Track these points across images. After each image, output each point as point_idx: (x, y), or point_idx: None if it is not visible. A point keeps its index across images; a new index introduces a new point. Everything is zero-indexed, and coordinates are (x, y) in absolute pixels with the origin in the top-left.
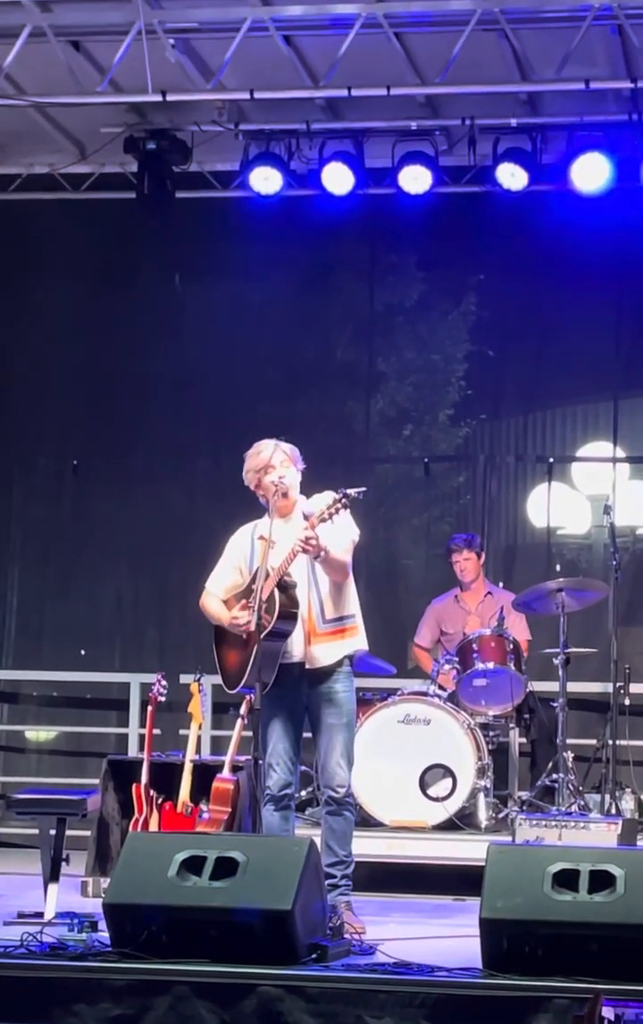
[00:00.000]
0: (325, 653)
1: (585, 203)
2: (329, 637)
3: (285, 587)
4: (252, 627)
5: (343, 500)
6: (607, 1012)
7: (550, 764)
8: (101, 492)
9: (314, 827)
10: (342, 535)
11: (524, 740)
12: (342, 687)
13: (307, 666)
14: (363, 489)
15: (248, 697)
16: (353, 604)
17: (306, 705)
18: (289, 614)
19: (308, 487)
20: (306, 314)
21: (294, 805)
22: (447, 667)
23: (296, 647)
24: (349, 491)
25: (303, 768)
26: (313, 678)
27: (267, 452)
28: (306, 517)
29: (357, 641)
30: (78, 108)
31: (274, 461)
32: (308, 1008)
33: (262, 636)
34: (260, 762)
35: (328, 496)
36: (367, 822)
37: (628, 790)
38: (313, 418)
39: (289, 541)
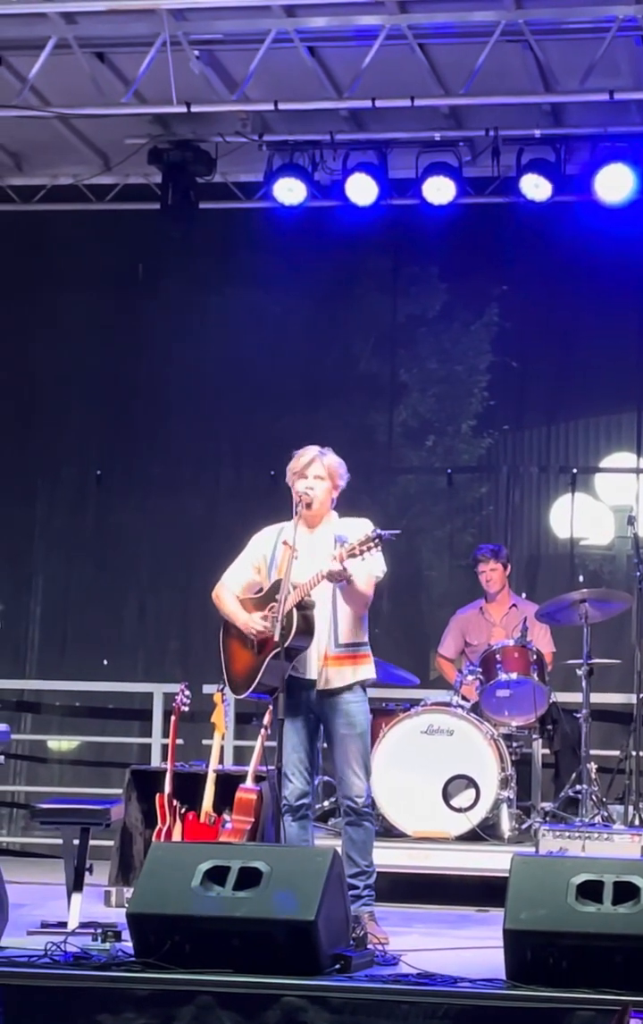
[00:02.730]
0: (336, 676)
1: (609, 214)
2: (341, 661)
3: (304, 607)
4: (266, 635)
5: (375, 540)
6: (634, 1023)
7: (573, 775)
8: (124, 502)
9: (337, 838)
10: (367, 569)
11: (547, 751)
12: (354, 697)
13: (318, 687)
14: (397, 532)
15: (270, 708)
16: (366, 633)
17: (320, 717)
18: (303, 633)
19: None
20: (329, 325)
21: (312, 815)
22: (470, 678)
23: (310, 665)
24: (383, 532)
25: (326, 779)
26: (324, 694)
27: (306, 458)
28: (337, 541)
29: (368, 670)
30: (102, 119)
31: (308, 471)
32: (331, 1019)
33: (275, 652)
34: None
35: (362, 526)
36: (390, 832)
37: None
38: (335, 429)
39: (314, 555)
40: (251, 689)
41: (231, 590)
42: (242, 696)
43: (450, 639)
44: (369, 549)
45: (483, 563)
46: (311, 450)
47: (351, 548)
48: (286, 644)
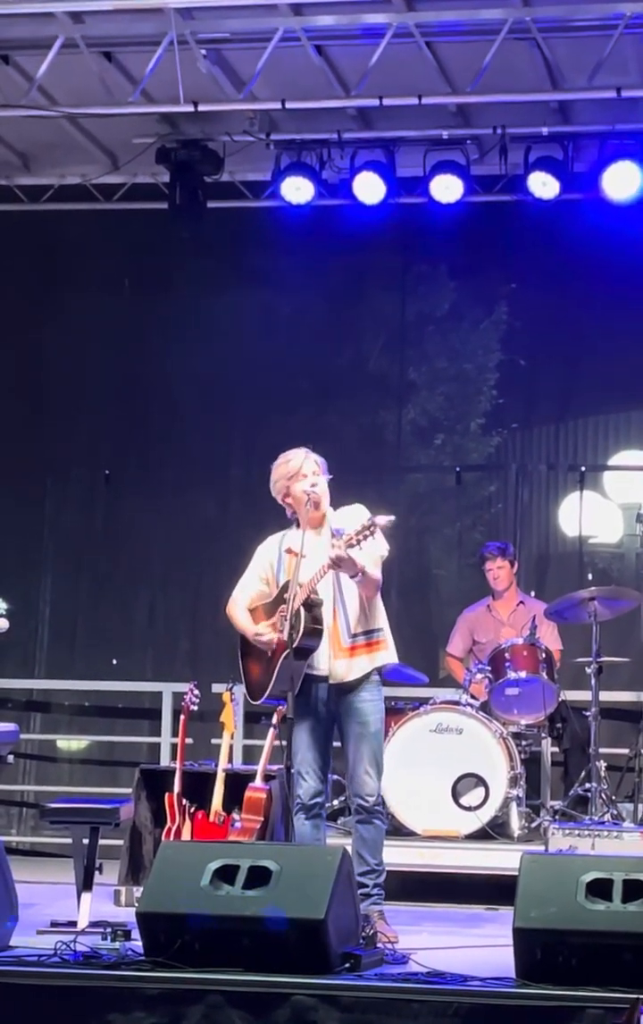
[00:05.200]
0: (350, 669)
1: (617, 211)
2: (355, 652)
3: (311, 605)
4: (276, 641)
5: (372, 528)
6: None
7: (583, 773)
8: (133, 502)
9: (347, 836)
10: (371, 552)
11: (557, 749)
12: (368, 695)
13: (332, 681)
14: (392, 518)
15: (279, 707)
16: (380, 618)
17: (334, 715)
18: (313, 631)
19: (339, 497)
20: (338, 324)
21: (325, 814)
22: (479, 676)
23: (322, 661)
24: (379, 519)
25: (335, 777)
26: (339, 690)
27: (298, 460)
28: (334, 534)
29: (385, 655)
30: (110, 119)
31: (305, 469)
32: (342, 1017)
33: (286, 653)
34: (292, 771)
35: (359, 512)
36: (399, 831)
37: None
38: (345, 428)
39: (320, 554)
40: (267, 694)
41: (241, 604)
42: (259, 702)
43: (458, 637)
44: (365, 537)
45: (490, 561)
46: (297, 451)
47: (349, 539)
48: (295, 644)
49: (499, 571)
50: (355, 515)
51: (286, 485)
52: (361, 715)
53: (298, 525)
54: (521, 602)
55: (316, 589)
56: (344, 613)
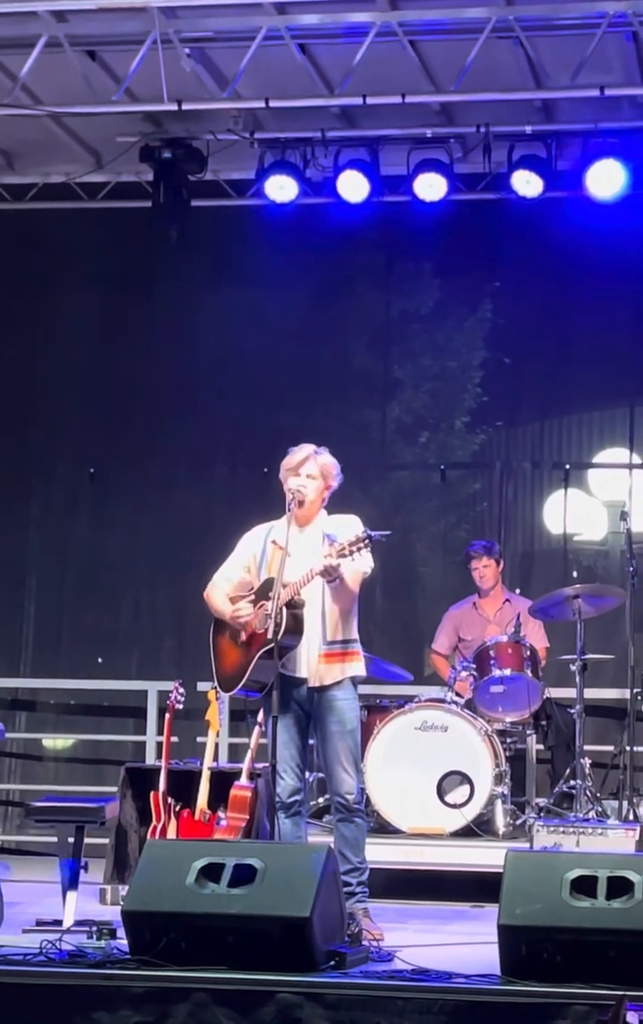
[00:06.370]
0: (326, 673)
1: (600, 210)
2: (330, 658)
3: (293, 606)
4: (252, 624)
5: (366, 541)
6: (631, 1018)
7: (568, 770)
8: (118, 500)
9: (332, 834)
10: (355, 567)
11: (541, 746)
12: (343, 694)
13: (309, 683)
14: (387, 533)
15: (264, 705)
16: (355, 630)
17: (309, 714)
18: (292, 632)
19: (334, 498)
20: (322, 322)
21: (305, 811)
22: (464, 674)
23: (300, 662)
24: (373, 533)
25: (320, 775)
26: (314, 691)
27: (300, 456)
28: (327, 539)
29: (358, 667)
30: (94, 117)
31: (302, 469)
32: (327, 1015)
33: (265, 650)
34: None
35: (353, 524)
36: (385, 829)
37: None
38: (330, 426)
39: (305, 554)
40: (240, 686)
41: (221, 589)
42: (231, 693)
43: (444, 635)
44: (359, 549)
45: (476, 559)
46: (306, 448)
47: (341, 548)
48: (277, 642)
49: (485, 570)
50: (348, 525)
51: (284, 475)
52: (337, 713)
53: (288, 519)
54: (507, 600)
55: (300, 591)
56: (324, 620)
